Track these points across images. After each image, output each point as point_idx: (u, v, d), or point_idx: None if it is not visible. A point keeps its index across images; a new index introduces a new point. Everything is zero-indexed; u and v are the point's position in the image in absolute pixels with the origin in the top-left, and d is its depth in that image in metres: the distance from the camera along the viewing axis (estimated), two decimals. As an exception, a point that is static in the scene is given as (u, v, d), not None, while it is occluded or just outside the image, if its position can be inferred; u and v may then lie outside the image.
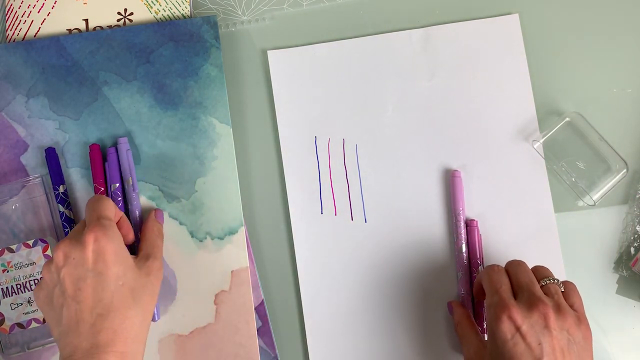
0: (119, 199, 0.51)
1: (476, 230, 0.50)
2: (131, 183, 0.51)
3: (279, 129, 0.54)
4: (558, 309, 0.41)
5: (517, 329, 0.40)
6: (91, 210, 0.44)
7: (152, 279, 0.44)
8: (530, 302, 0.41)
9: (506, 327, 0.40)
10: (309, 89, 0.54)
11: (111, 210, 0.45)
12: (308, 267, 0.52)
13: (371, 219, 0.52)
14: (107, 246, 0.41)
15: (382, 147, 0.53)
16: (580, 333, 0.41)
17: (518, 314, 0.40)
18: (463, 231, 0.50)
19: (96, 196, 0.45)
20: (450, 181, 0.52)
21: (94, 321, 0.40)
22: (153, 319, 0.50)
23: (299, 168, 0.53)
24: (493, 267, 0.45)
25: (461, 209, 0.51)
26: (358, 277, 0.51)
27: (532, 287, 0.42)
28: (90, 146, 0.52)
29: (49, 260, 0.43)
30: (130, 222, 0.50)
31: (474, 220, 0.51)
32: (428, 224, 0.52)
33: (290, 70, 0.55)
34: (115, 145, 0.52)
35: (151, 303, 0.44)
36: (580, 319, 0.42)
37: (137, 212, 0.51)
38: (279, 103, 0.54)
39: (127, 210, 0.51)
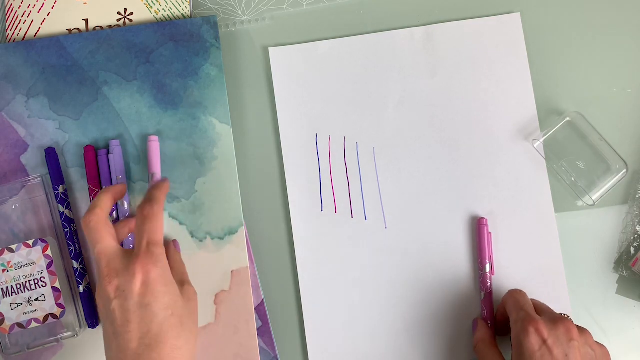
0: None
1: (486, 228, 0.51)
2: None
3: (279, 126, 0.54)
4: (578, 327, 0.44)
5: (544, 341, 0.42)
6: (140, 232, 0.42)
7: (192, 304, 0.44)
8: (553, 318, 0.43)
9: (534, 340, 0.42)
10: (310, 86, 0.54)
11: (160, 232, 0.43)
12: (308, 266, 0.52)
13: (371, 216, 0.52)
14: (157, 278, 0.41)
15: (383, 144, 0.53)
16: (601, 350, 0.44)
17: (544, 327, 0.42)
18: (488, 280, 0.50)
19: (145, 214, 0.43)
20: (476, 229, 0.51)
21: (142, 352, 0.39)
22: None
23: (300, 165, 0.53)
24: (517, 290, 0.47)
25: (487, 259, 0.50)
26: (358, 275, 0.51)
27: (550, 309, 0.46)
28: (84, 148, 0.52)
29: (102, 286, 0.41)
30: None
31: (484, 218, 0.51)
32: (428, 222, 0.52)
33: (291, 67, 0.55)
34: (107, 147, 0.53)
35: (196, 329, 0.43)
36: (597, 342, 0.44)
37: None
38: (280, 100, 0.54)
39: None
